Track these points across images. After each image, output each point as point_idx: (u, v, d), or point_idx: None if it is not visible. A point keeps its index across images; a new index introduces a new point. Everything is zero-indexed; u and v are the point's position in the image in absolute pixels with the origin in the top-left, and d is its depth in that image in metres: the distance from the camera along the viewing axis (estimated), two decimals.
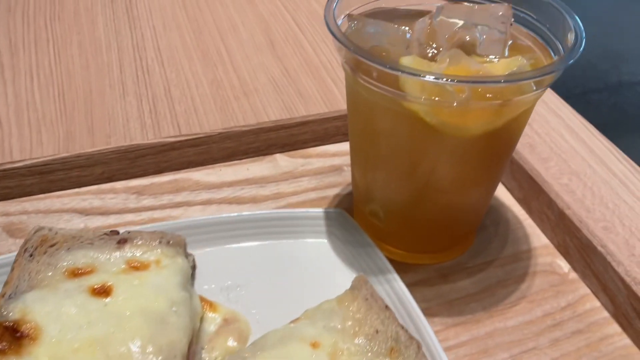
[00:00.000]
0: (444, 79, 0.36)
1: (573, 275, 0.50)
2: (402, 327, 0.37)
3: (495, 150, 0.44)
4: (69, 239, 0.42)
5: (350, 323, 0.37)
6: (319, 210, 0.49)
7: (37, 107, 0.64)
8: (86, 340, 0.35)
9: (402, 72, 0.36)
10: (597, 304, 0.47)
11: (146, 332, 0.36)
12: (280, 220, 0.48)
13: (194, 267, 0.45)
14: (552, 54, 0.43)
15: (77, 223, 0.51)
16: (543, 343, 0.44)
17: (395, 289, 0.43)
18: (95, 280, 0.39)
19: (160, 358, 0.35)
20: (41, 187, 0.54)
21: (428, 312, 0.45)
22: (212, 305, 0.43)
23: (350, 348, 0.36)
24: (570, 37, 0.40)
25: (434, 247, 0.50)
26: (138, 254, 0.41)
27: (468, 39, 0.43)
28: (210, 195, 0.54)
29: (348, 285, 0.41)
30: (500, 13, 0.42)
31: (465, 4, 0.45)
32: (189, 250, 0.45)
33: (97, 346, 0.35)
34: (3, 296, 0.38)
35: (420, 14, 0.44)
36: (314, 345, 0.36)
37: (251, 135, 0.58)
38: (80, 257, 0.40)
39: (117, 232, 0.42)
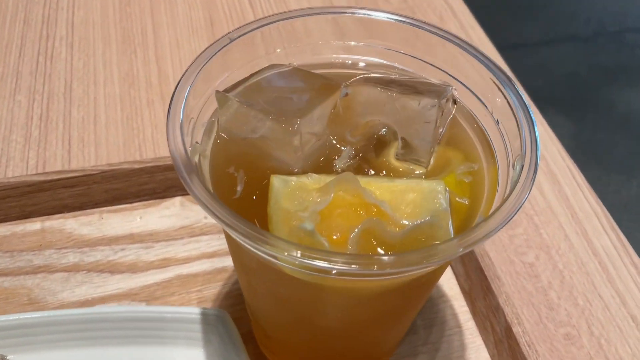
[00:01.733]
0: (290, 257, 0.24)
1: None
2: None
3: (392, 308, 0.32)
4: None
5: None
6: (194, 311, 0.38)
7: None
8: None
9: (245, 236, 0.24)
10: None
11: None
12: (144, 321, 0.38)
13: None
14: (498, 163, 0.30)
15: None
16: None
17: None
18: None
19: None
20: None
21: None
22: None
23: None
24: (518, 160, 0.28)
25: None
26: None
27: (383, 134, 0.30)
28: (79, 258, 0.44)
29: None
30: (430, 104, 0.29)
31: (388, 79, 0.31)
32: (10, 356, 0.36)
33: None
34: None
35: (326, 87, 0.31)
36: None
37: (145, 174, 0.47)
38: None
39: None
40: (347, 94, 0.31)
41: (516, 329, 0.40)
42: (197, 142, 0.29)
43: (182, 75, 0.29)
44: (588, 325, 0.43)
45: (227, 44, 0.31)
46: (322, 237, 0.25)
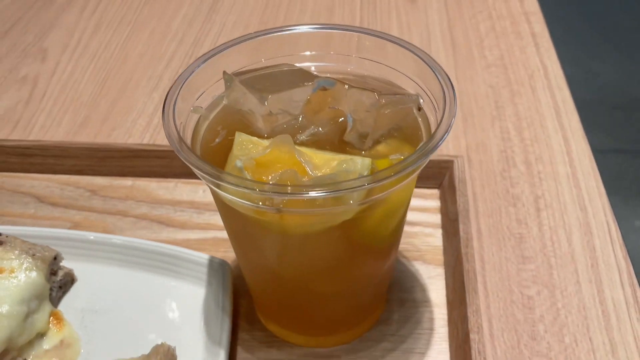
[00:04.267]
0: (230, 183, 0.32)
1: None
2: None
3: (354, 246, 0.37)
4: None
5: None
6: (204, 257, 0.47)
7: (79, 89, 0.71)
8: None
9: (197, 168, 0.33)
10: None
11: None
12: (162, 255, 0.48)
13: (71, 282, 0.48)
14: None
15: (32, 208, 0.56)
16: None
17: None
18: None
19: None
20: (23, 166, 0.60)
21: None
22: (60, 324, 0.45)
23: None
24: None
25: (309, 331, 0.45)
26: (1, 259, 0.44)
27: (339, 120, 0.37)
28: (148, 210, 0.56)
29: (186, 341, 0.42)
30: (371, 102, 0.36)
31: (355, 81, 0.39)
32: (70, 264, 0.48)
33: None
34: None
35: (305, 79, 0.39)
36: None
37: None
38: None
39: None
40: (323, 87, 0.38)
41: (473, 336, 0.42)
42: (200, 107, 0.39)
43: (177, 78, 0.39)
44: None
45: None
46: (248, 174, 0.33)
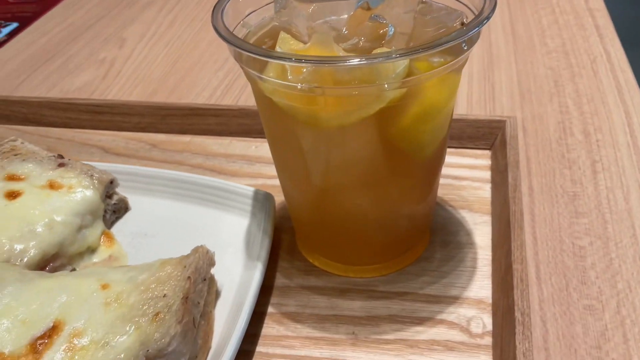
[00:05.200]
0: (274, 57, 0.33)
1: (486, 340, 0.40)
2: (186, 301, 0.36)
3: (389, 148, 0.37)
4: (29, 153, 0.50)
5: (152, 280, 0.37)
6: (250, 189, 0.49)
7: (150, 68, 0.76)
8: None
9: (240, 48, 0.35)
10: None
11: (15, 231, 0.42)
12: (210, 188, 0.49)
13: (124, 209, 0.50)
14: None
15: (97, 157, 0.60)
16: None
17: (247, 281, 0.41)
18: (17, 187, 0.46)
19: (12, 249, 0.41)
20: (93, 123, 0.64)
21: (285, 316, 0.42)
22: (110, 242, 0.47)
23: (129, 300, 0.36)
24: None
25: (348, 260, 0.45)
26: (62, 177, 0.47)
27: (380, 32, 0.39)
28: (202, 161, 0.58)
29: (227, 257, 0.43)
30: (412, 7, 0.37)
31: None
32: (124, 193, 0.50)
33: None
34: None
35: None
36: (103, 287, 0.37)
37: None
38: (23, 167, 0.48)
39: (62, 157, 0.49)
40: (367, 4, 0.40)
41: (516, 267, 0.40)
42: (249, 24, 0.41)
43: None
44: (617, 306, 0.41)
45: None
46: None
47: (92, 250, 0.46)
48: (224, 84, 0.70)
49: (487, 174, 0.53)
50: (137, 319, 0.35)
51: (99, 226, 0.47)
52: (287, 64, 0.33)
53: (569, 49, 0.73)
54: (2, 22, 0.92)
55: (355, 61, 0.31)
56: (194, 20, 0.89)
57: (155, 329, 0.34)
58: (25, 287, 0.37)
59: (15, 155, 0.50)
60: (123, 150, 0.61)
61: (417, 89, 0.35)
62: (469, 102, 0.63)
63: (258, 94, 0.39)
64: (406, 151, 0.38)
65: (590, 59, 0.70)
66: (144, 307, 0.35)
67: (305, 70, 0.34)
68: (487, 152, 0.56)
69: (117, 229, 0.49)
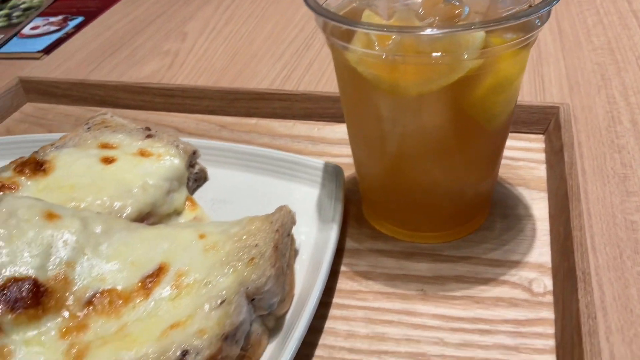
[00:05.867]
0: (363, 26, 0.37)
1: (548, 298, 0.43)
2: (277, 249, 0.40)
3: (463, 117, 0.41)
4: (119, 125, 0.55)
5: (243, 232, 0.41)
6: (320, 162, 0.52)
7: (212, 60, 0.80)
8: (76, 183, 0.47)
9: (329, 18, 0.39)
10: (550, 331, 0.40)
11: (113, 191, 0.47)
12: (282, 161, 0.53)
13: (204, 178, 0.54)
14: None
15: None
16: (451, 341, 0.40)
17: (323, 241, 0.45)
18: (111, 153, 0.51)
19: (112, 206, 0.45)
20: (165, 106, 0.69)
21: (357, 274, 0.45)
22: (193, 206, 0.51)
23: (225, 247, 0.40)
24: None
25: (415, 227, 0.48)
26: (151, 147, 0.52)
27: (456, 12, 0.42)
28: (269, 140, 0.62)
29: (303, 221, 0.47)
30: None
31: None
32: (204, 164, 0.54)
33: (78, 188, 0.47)
34: (53, 144, 0.52)
35: None
36: (201, 236, 0.41)
37: (329, 102, 0.64)
38: (115, 137, 0.52)
39: (149, 129, 0.54)
40: None
41: (575, 234, 0.43)
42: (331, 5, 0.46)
43: None
44: None
45: None
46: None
47: (178, 213, 0.50)
48: (282, 75, 0.75)
49: (542, 156, 0.57)
50: (234, 263, 0.39)
51: (184, 191, 0.51)
52: (376, 32, 0.37)
53: (614, 46, 0.75)
54: (69, 15, 0.98)
55: (437, 31, 0.35)
56: (250, 17, 0.93)
57: (252, 271, 0.38)
58: (131, 235, 0.41)
59: (106, 127, 0.54)
60: (194, 130, 0.65)
61: (492, 60, 0.38)
62: (520, 92, 0.67)
63: (341, 64, 0.43)
64: (478, 120, 0.42)
65: (635, 55, 0.73)
66: (239, 254, 0.39)
67: (391, 41, 0.38)
68: (541, 137, 0.59)
69: (198, 195, 0.53)
